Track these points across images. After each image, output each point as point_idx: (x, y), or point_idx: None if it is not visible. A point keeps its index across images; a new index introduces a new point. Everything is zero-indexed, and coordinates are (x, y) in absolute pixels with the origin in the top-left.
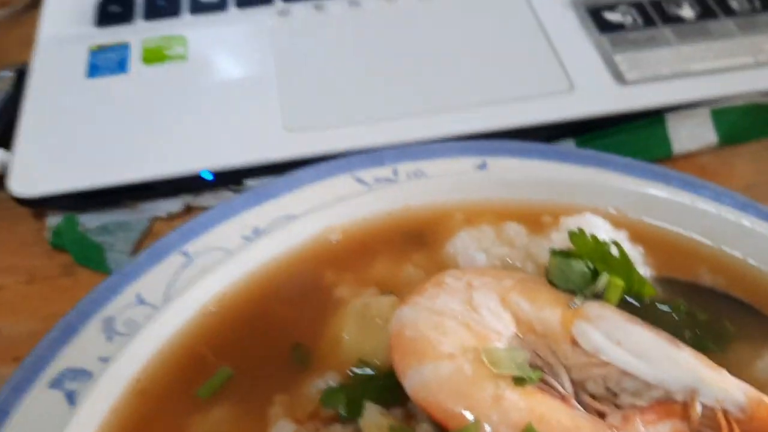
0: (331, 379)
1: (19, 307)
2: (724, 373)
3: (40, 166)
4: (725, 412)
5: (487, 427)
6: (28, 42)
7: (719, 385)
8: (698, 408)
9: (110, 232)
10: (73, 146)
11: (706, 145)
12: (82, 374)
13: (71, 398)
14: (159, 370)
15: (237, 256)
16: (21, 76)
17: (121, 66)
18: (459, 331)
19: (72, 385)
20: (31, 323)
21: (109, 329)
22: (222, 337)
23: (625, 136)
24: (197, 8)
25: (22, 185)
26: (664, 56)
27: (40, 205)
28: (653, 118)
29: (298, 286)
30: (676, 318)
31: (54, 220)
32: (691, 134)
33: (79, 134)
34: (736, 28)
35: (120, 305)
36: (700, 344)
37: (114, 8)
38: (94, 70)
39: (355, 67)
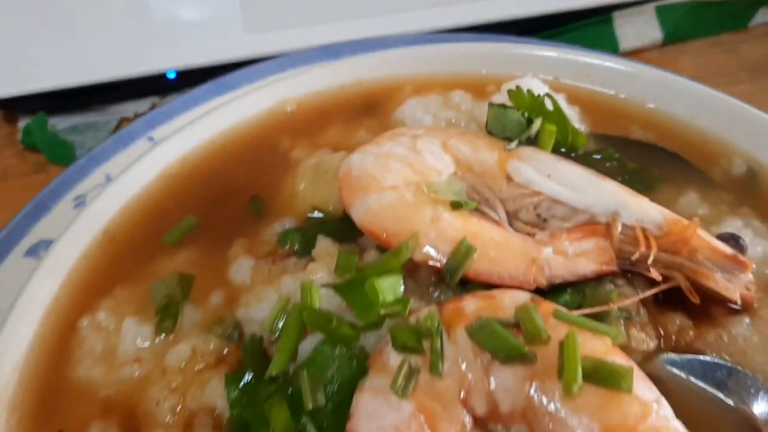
0: (287, 224)
1: None
2: (645, 199)
3: (7, 68)
4: (644, 230)
5: (425, 246)
6: None
7: (639, 207)
8: (619, 227)
9: (80, 132)
10: (39, 49)
11: (651, 43)
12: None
13: None
14: (127, 221)
15: (197, 123)
16: None
17: None
18: (402, 169)
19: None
20: (6, 216)
21: (81, 204)
22: (186, 193)
23: (576, 34)
24: None
25: None
26: None
27: (10, 107)
28: (602, 17)
29: (256, 150)
30: (608, 166)
31: (25, 122)
32: (638, 32)
33: (44, 37)
34: None
35: (90, 185)
36: (628, 187)
37: None
38: None
39: None
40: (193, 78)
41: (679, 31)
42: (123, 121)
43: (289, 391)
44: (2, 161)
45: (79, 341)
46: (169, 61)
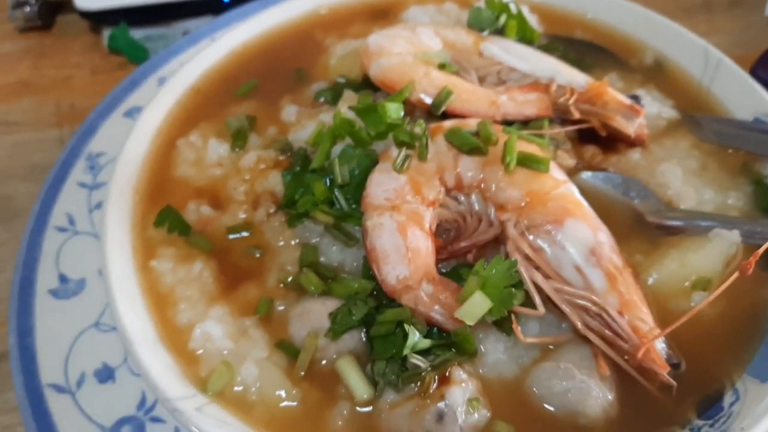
0: (322, 85)
1: (87, 90)
2: (575, 69)
3: None
4: (572, 88)
5: (419, 91)
6: None
7: (569, 73)
8: (555, 85)
9: (152, 41)
10: None
11: None
12: None
13: None
14: (208, 81)
15: (257, 17)
16: None
17: None
18: (405, 45)
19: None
20: (98, 100)
21: (162, 82)
22: (249, 65)
23: None
24: None
25: (84, 2)
26: None
27: (98, 19)
28: None
29: (299, 39)
30: (555, 55)
31: (108, 32)
32: None
33: None
34: None
35: (169, 69)
36: None
37: None
38: None
39: None
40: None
41: None
42: (185, 33)
43: (325, 178)
44: (92, 61)
45: (178, 153)
46: None
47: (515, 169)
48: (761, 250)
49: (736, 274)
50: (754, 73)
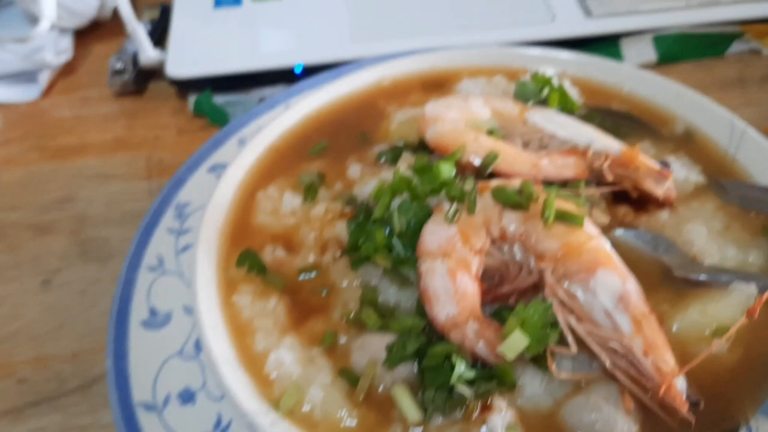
0: (383, 147)
1: (174, 148)
2: (610, 137)
3: (184, 60)
4: (607, 153)
5: (469, 153)
6: None
7: (606, 141)
8: (591, 151)
9: (232, 105)
10: (206, 49)
11: (648, 62)
12: (226, 166)
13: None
14: (285, 142)
15: (328, 87)
16: (164, 10)
17: (236, 1)
18: (458, 112)
19: (221, 171)
20: (184, 156)
21: (242, 143)
22: (321, 128)
23: (592, 53)
24: None
25: (174, 71)
26: (622, 0)
27: (185, 86)
28: (611, 41)
29: (364, 106)
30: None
31: (193, 97)
32: (638, 53)
33: (209, 41)
34: None
35: (249, 132)
36: None
37: None
38: (218, 3)
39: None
40: (312, 73)
41: (670, 54)
42: (261, 100)
43: (385, 227)
44: (179, 122)
45: (257, 204)
46: (296, 59)
47: (553, 223)
48: (765, 297)
49: (743, 319)
50: None
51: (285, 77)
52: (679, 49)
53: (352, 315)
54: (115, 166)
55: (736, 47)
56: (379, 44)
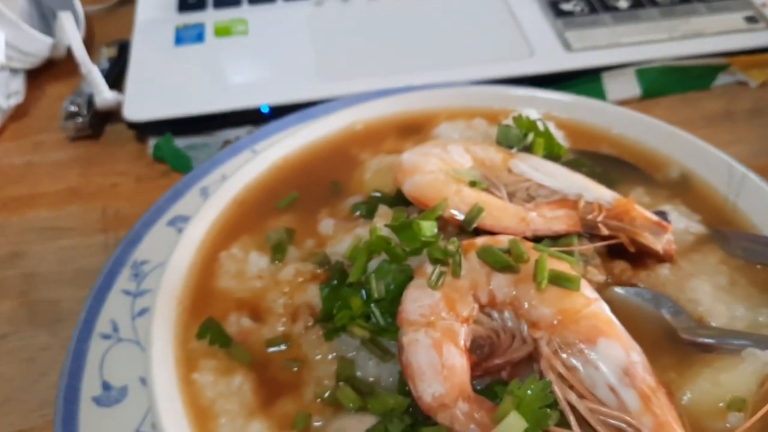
0: (357, 199)
1: (131, 198)
2: (602, 186)
3: (143, 102)
4: (599, 204)
5: (451, 208)
6: (124, 27)
7: (597, 190)
8: (582, 202)
9: (195, 149)
10: (166, 89)
11: (631, 97)
12: (187, 218)
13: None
14: (251, 192)
15: (296, 132)
16: (123, 48)
17: (199, 38)
18: (437, 162)
19: (181, 225)
20: (142, 207)
21: (205, 193)
22: (290, 177)
23: (572, 90)
24: (254, 0)
25: (132, 113)
26: (603, 33)
27: (144, 129)
28: (593, 76)
29: (335, 153)
30: (582, 170)
31: (153, 141)
32: (621, 88)
33: (170, 80)
34: (659, 14)
35: (211, 180)
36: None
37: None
38: (179, 40)
39: (367, 39)
40: (280, 113)
41: (654, 88)
42: (226, 142)
43: (362, 292)
44: (137, 169)
45: (220, 266)
46: (262, 99)
47: (547, 287)
48: None
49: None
50: None
51: (251, 118)
52: (664, 83)
53: (326, 394)
54: (68, 218)
55: (721, 79)
56: (348, 83)
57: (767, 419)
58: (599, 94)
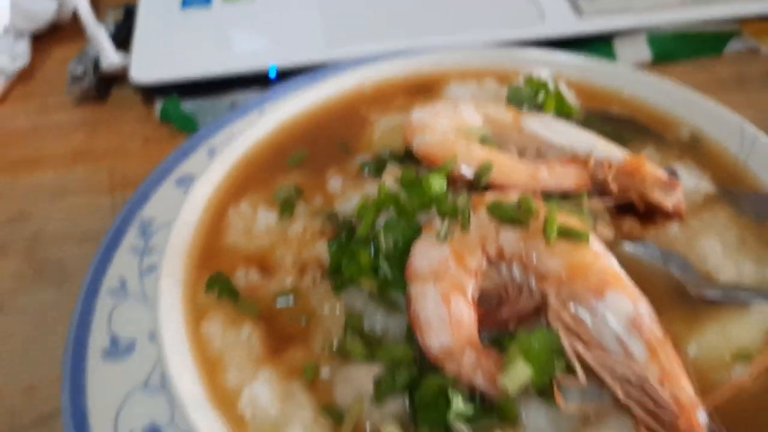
0: (366, 158)
1: (139, 159)
2: (612, 144)
3: (150, 64)
4: (610, 163)
5: (460, 165)
6: None
7: (608, 148)
8: (593, 160)
9: (201, 112)
10: (173, 52)
11: (643, 61)
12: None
13: None
14: (259, 151)
15: (305, 92)
16: (129, 12)
17: (206, 1)
18: (448, 120)
19: (189, 184)
20: (149, 168)
21: (212, 153)
22: (299, 137)
23: (585, 53)
24: None
25: (139, 75)
26: None
27: (151, 92)
28: (604, 41)
29: (345, 113)
30: (592, 130)
31: (160, 104)
32: (633, 53)
33: (176, 44)
34: None
35: (218, 140)
36: None
37: None
38: (186, 3)
39: (375, 3)
40: (287, 77)
41: (665, 54)
42: (233, 105)
43: (370, 247)
44: (144, 131)
45: (228, 222)
46: (269, 62)
47: (556, 241)
48: None
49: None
50: None
51: (258, 81)
52: (675, 48)
53: (335, 345)
54: (74, 179)
55: (733, 46)
56: (356, 46)
57: None
58: (610, 58)
